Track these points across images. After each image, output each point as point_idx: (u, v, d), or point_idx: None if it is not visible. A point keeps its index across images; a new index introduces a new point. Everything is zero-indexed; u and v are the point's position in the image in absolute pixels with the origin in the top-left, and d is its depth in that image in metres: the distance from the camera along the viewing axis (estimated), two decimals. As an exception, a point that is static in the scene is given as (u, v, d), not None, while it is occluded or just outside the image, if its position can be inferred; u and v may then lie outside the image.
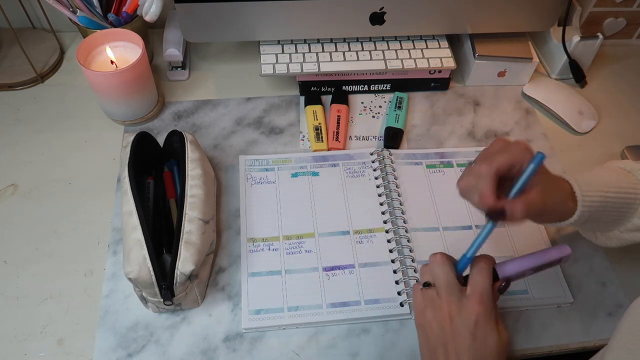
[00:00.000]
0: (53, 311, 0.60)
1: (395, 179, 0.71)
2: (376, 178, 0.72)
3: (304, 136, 0.78)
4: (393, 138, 0.77)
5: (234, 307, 0.61)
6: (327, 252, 0.65)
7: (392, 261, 0.64)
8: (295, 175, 0.71)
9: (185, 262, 0.55)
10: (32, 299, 0.61)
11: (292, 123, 0.79)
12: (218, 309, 0.61)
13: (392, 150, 0.75)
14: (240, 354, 0.58)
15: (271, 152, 0.75)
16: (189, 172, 0.61)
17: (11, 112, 0.79)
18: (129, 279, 0.54)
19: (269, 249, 0.65)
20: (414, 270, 0.63)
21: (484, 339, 0.46)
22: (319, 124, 0.77)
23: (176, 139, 0.66)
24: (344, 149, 0.76)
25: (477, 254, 0.50)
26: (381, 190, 0.70)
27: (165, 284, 0.54)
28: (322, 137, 0.76)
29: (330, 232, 0.67)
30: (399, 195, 0.70)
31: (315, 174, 0.72)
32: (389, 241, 0.66)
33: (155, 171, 0.67)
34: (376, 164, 0.73)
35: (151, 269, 0.54)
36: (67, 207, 0.69)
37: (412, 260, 0.64)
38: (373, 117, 0.81)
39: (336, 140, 0.76)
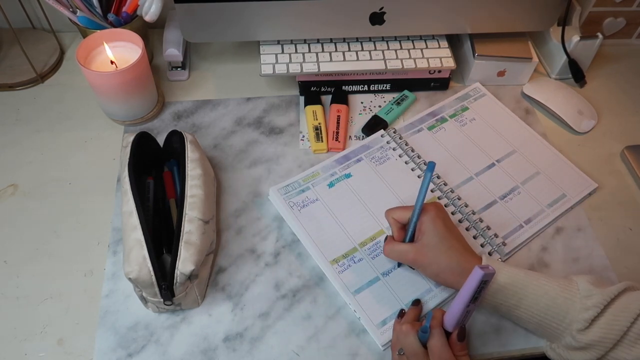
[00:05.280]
0: (53, 311, 0.60)
1: (413, 150, 0.74)
2: (400, 156, 0.74)
3: (303, 136, 0.78)
4: (372, 127, 0.78)
5: (234, 307, 0.61)
6: None
7: (460, 222, 0.67)
8: (331, 185, 0.70)
9: (185, 262, 0.55)
10: (32, 299, 0.61)
11: (292, 123, 0.79)
12: (218, 309, 0.61)
13: (395, 127, 0.77)
14: (240, 354, 0.58)
15: (271, 153, 0.75)
16: (189, 172, 0.61)
17: (11, 112, 0.79)
18: (129, 279, 0.54)
19: (354, 262, 0.64)
20: (480, 220, 0.67)
21: None
22: (319, 123, 0.77)
23: (176, 139, 0.66)
24: (343, 149, 0.76)
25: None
26: (411, 165, 0.73)
27: (165, 284, 0.54)
28: (321, 137, 0.76)
29: None
30: (425, 163, 0.72)
31: (348, 175, 0.71)
32: (446, 206, 0.68)
33: (155, 171, 0.67)
34: (393, 144, 0.75)
35: (151, 269, 0.54)
36: (67, 207, 0.69)
37: (473, 213, 0.68)
38: (373, 117, 0.81)
39: (336, 140, 0.76)
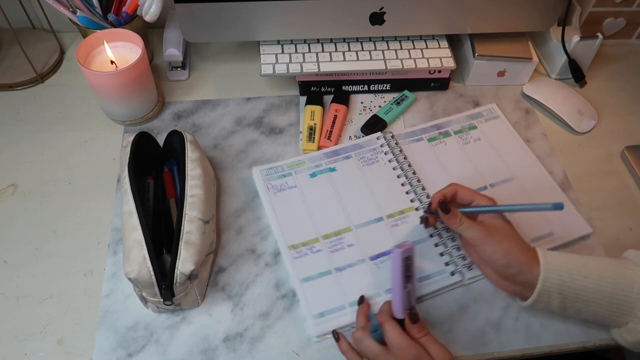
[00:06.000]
0: (53, 311, 0.60)
1: (406, 158, 0.73)
2: (389, 161, 0.73)
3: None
4: (371, 126, 0.77)
5: (234, 307, 0.61)
6: (368, 242, 0.65)
7: (431, 236, 0.66)
8: (313, 175, 0.71)
9: (185, 262, 0.55)
10: (32, 299, 0.61)
11: (292, 123, 0.79)
12: (218, 309, 0.61)
13: (394, 132, 0.76)
14: (240, 354, 0.58)
15: (271, 153, 0.75)
16: (188, 172, 0.61)
17: (11, 112, 0.79)
18: (129, 279, 0.54)
19: (312, 252, 0.64)
20: (452, 239, 0.65)
21: None
22: (314, 124, 0.77)
23: (176, 139, 0.66)
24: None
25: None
26: (398, 171, 0.72)
27: (165, 284, 0.54)
28: (314, 137, 0.76)
29: (365, 222, 0.67)
30: (414, 173, 0.71)
31: (333, 169, 0.72)
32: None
33: (155, 171, 0.67)
34: (386, 148, 0.74)
35: (151, 269, 0.54)
36: (67, 207, 0.69)
37: (447, 231, 0.65)
38: (373, 117, 0.81)
39: (328, 139, 0.76)
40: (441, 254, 0.64)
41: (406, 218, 0.67)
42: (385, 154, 0.74)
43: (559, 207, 0.52)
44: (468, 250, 0.62)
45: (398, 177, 0.71)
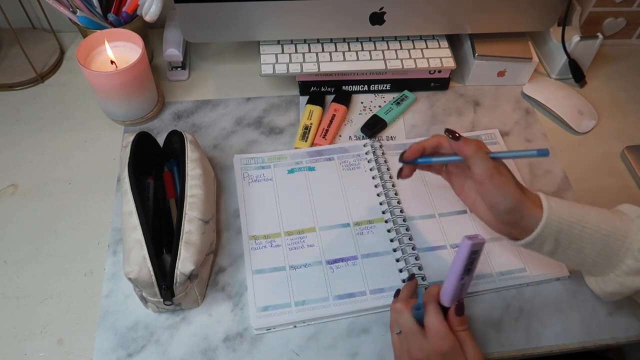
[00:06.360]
0: (53, 311, 0.60)
1: (389, 169, 0.72)
2: (371, 169, 0.72)
3: (303, 136, 0.78)
4: (371, 126, 0.77)
5: (234, 307, 0.61)
6: (329, 246, 0.65)
7: (394, 250, 0.65)
8: (291, 171, 0.72)
9: (185, 262, 0.55)
10: (32, 299, 0.61)
11: (292, 123, 0.79)
12: (218, 309, 0.61)
13: (384, 142, 0.76)
14: (240, 354, 0.58)
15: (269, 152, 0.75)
16: (188, 172, 0.61)
17: (11, 112, 0.79)
18: (129, 279, 0.54)
19: (271, 246, 0.65)
20: (415, 258, 0.64)
21: None
22: (310, 124, 0.77)
23: (176, 139, 0.66)
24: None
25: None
26: (377, 181, 0.71)
27: (165, 284, 0.54)
28: (307, 137, 0.76)
29: (330, 226, 0.67)
30: (393, 185, 0.70)
31: (312, 168, 0.72)
32: (389, 231, 0.67)
33: (155, 171, 0.67)
34: (370, 156, 0.73)
35: (151, 269, 0.54)
36: (67, 207, 0.69)
37: (413, 249, 0.65)
38: (373, 117, 0.81)
39: (323, 138, 0.76)
40: (400, 270, 0.63)
41: (373, 228, 0.67)
42: (368, 161, 0.73)
43: (544, 153, 0.50)
44: (462, 193, 0.59)
45: (375, 186, 0.71)
